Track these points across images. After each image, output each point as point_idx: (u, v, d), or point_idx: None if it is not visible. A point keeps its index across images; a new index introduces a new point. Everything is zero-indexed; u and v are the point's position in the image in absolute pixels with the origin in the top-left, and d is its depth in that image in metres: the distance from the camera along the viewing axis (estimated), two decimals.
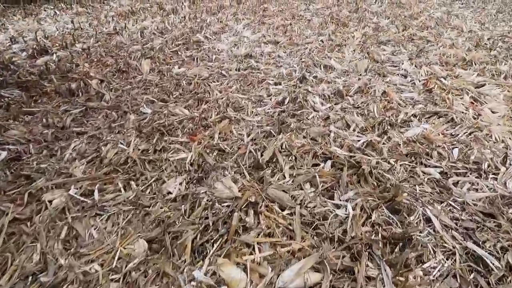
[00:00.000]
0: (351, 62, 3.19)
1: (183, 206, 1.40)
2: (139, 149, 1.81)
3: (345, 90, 2.52)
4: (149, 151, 1.80)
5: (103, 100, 2.38)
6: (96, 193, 1.47)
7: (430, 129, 1.99)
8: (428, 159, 1.76)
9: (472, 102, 2.39)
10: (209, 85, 2.67)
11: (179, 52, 3.43)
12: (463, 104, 2.27)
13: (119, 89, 2.56)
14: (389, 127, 2.03)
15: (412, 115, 2.19)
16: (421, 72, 2.91)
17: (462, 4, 6.73)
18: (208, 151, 1.79)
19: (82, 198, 1.44)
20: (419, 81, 2.75)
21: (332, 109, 2.28)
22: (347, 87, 2.61)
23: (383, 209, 1.38)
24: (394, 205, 1.39)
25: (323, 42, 3.79)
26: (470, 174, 1.64)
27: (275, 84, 2.69)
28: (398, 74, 2.92)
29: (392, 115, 2.17)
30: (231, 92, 2.52)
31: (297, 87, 2.57)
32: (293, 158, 1.70)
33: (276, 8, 5.99)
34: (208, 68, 3.03)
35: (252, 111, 2.26)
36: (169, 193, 1.50)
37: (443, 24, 4.80)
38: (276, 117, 2.14)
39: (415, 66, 3.06)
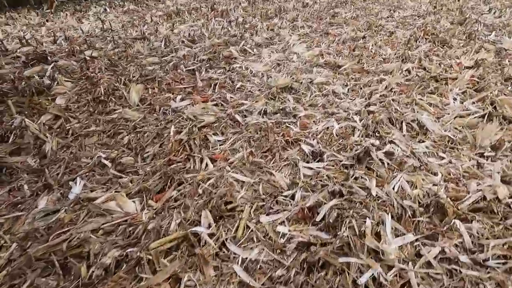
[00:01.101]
0: (458, 118, 1.73)
1: None
2: None
3: (451, 198, 1.16)
4: None
5: (40, 153, 1.46)
6: None
7: None
8: None
9: None
10: (205, 141, 1.56)
11: (197, 72, 2.38)
12: None
13: (75, 134, 1.62)
14: None
15: None
16: None
17: None
18: None
19: None
20: None
21: (423, 258, 0.97)
22: (452, 187, 1.23)
23: None
24: None
25: (409, 72, 2.34)
26: None
27: (313, 155, 1.44)
28: None
29: None
30: (230, 166, 1.37)
31: (350, 176, 1.29)
32: None
33: (349, 13, 4.52)
34: (221, 105, 1.91)
35: (248, 228, 1.08)
36: None
37: None
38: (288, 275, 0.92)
39: None
